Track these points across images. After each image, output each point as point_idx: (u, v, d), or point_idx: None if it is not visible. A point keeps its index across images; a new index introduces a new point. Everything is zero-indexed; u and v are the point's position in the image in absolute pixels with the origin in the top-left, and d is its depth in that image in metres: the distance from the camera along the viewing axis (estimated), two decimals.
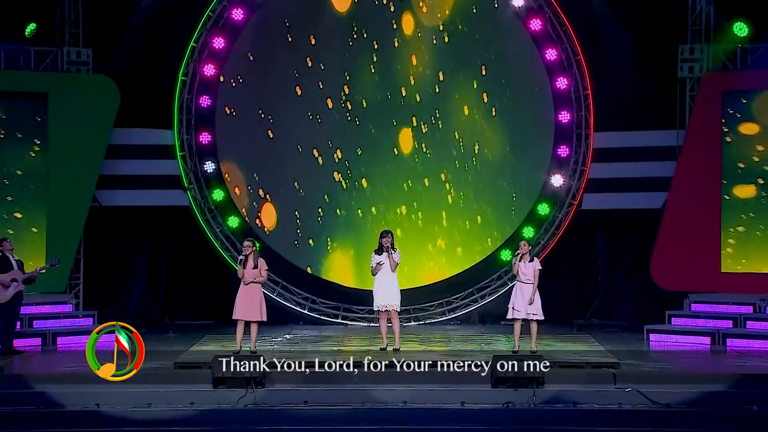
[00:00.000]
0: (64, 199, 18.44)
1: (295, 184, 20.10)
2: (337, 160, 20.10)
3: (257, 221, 20.12)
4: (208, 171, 19.96)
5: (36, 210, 18.57)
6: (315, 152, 20.06)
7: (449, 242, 20.11)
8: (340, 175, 20.10)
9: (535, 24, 19.67)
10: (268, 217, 20.21)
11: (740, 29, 18.37)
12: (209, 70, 19.83)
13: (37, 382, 13.89)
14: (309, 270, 20.14)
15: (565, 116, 19.74)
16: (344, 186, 20.10)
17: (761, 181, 18.28)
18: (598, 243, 20.28)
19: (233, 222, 20.01)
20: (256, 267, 15.00)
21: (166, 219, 20.10)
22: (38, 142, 18.60)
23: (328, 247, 20.22)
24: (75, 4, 18.93)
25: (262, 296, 15.14)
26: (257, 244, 15.42)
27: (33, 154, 18.58)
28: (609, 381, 14.08)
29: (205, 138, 19.95)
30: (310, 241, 20.21)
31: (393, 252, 15.34)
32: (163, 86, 19.80)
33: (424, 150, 20.05)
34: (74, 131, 18.44)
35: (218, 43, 19.79)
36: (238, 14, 19.81)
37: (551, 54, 19.68)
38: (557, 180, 19.79)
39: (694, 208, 18.40)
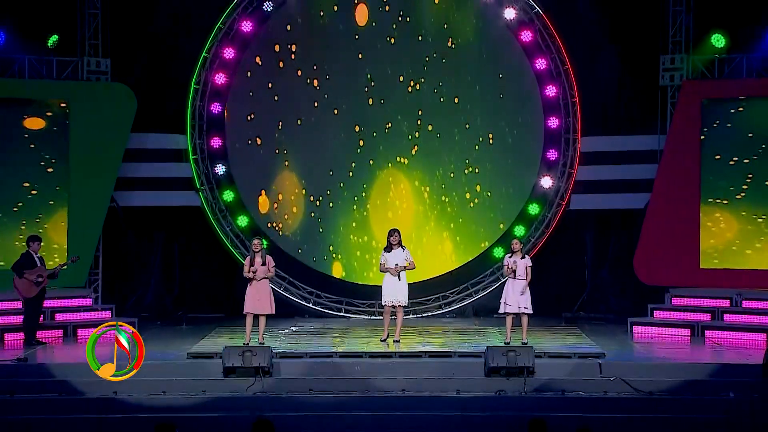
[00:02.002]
0: (84, 200, 18.40)
1: (302, 182, 20.06)
2: (338, 162, 20.06)
3: (271, 225, 20.09)
4: (219, 173, 19.94)
5: (58, 209, 18.54)
6: (319, 156, 20.03)
7: (446, 240, 20.09)
8: (341, 175, 20.06)
9: (526, 35, 19.65)
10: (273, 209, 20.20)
11: (718, 41, 18.37)
12: (220, 78, 19.82)
13: (58, 371, 13.94)
14: (314, 259, 20.09)
15: (553, 122, 19.73)
16: (346, 187, 20.05)
17: (738, 184, 18.31)
18: (585, 241, 20.27)
19: (242, 221, 19.99)
20: (264, 264, 15.01)
21: (180, 218, 20.07)
22: (61, 147, 18.57)
23: (330, 245, 20.17)
24: (95, 17, 18.90)
25: (270, 291, 15.15)
26: (264, 242, 15.42)
27: (55, 159, 18.54)
28: (595, 370, 14.10)
29: (216, 142, 19.92)
30: (316, 238, 20.17)
31: (408, 258, 15.49)
32: (177, 94, 19.78)
33: (423, 154, 20.02)
34: (94, 136, 18.39)
35: (228, 53, 19.77)
36: (247, 26, 19.79)
37: (541, 63, 19.67)
38: (546, 182, 19.78)
39: (675, 208, 18.38)
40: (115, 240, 19.54)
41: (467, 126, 19.90)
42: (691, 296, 18.06)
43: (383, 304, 15.76)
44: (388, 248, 15.61)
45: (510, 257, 15.25)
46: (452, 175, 19.97)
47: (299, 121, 19.98)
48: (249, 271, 14.93)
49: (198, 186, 19.87)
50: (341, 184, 20.06)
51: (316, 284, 20.04)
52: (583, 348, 15.27)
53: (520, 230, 19.71)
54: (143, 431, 11.60)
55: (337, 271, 20.15)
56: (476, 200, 19.99)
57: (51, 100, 18.51)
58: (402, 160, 20.02)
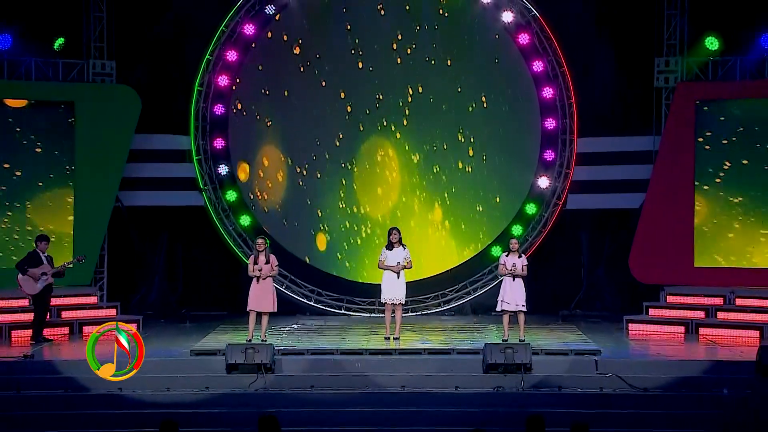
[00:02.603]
0: (89, 200, 18.42)
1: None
2: (340, 163, 20.06)
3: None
4: (222, 174, 19.94)
5: (64, 208, 18.54)
6: (317, 157, 20.03)
7: (445, 239, 20.09)
8: (342, 177, 20.06)
9: (524, 38, 19.65)
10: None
11: (711, 43, 18.37)
12: (223, 80, 19.82)
13: (64, 367, 13.95)
14: (307, 260, 20.06)
15: (550, 123, 19.73)
16: (347, 187, 20.05)
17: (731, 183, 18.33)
18: (581, 240, 20.27)
19: (245, 221, 20.00)
20: (268, 262, 15.02)
21: (184, 218, 20.07)
22: (67, 147, 18.57)
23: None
24: (100, 21, 18.90)
25: (273, 289, 15.15)
26: (267, 241, 15.43)
27: (62, 159, 18.55)
28: (591, 367, 14.10)
29: (219, 143, 19.92)
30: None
31: (407, 257, 15.46)
32: (181, 95, 19.78)
33: (423, 155, 20.02)
34: (99, 137, 18.40)
35: (231, 56, 19.77)
36: (249, 29, 19.79)
37: (538, 66, 19.66)
38: (543, 182, 19.77)
39: (669, 207, 18.39)
40: (120, 239, 19.53)
41: (466, 126, 19.88)
42: (686, 294, 18.06)
43: (382, 301, 15.78)
44: (389, 246, 15.60)
45: (507, 256, 15.25)
46: (451, 175, 19.97)
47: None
48: (254, 270, 14.93)
49: (201, 186, 19.87)
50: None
51: (317, 282, 20.04)
52: (579, 345, 15.26)
53: (517, 229, 19.70)
54: (147, 427, 11.58)
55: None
56: (475, 200, 19.97)
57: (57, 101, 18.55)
58: (404, 159, 20.01)
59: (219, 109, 19.89)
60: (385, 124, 19.99)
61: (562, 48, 19.55)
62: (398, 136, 20.02)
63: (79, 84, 18.68)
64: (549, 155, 19.76)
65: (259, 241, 15.22)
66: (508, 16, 19.60)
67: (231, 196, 19.94)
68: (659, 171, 18.54)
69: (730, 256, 18.24)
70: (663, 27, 18.82)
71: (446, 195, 20.02)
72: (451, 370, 14.15)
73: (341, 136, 19.99)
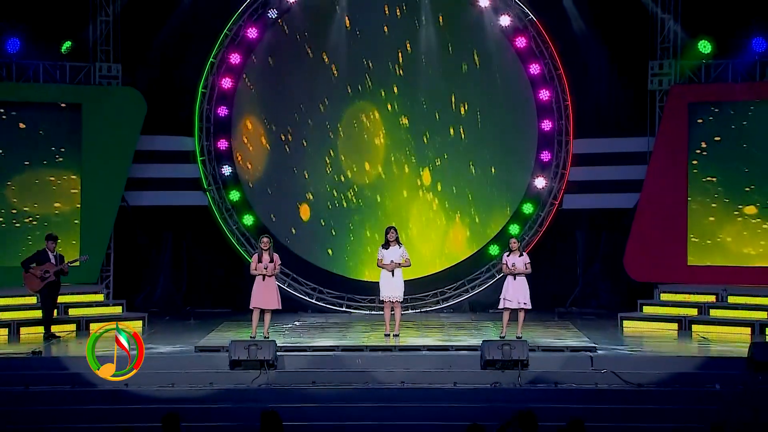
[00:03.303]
0: (96, 199, 18.44)
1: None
2: (342, 164, 20.07)
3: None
4: (226, 174, 19.96)
5: (71, 208, 18.58)
6: (323, 157, 20.05)
7: (444, 238, 20.11)
8: (344, 177, 20.08)
9: (521, 42, 19.67)
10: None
11: (704, 47, 18.38)
12: (226, 82, 19.84)
13: (71, 363, 13.91)
14: (330, 252, 20.11)
15: (547, 124, 19.74)
16: (348, 188, 20.07)
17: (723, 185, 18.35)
18: (577, 239, 20.30)
19: (248, 220, 20.01)
20: (272, 261, 15.04)
21: (188, 217, 20.10)
22: (73, 148, 18.61)
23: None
24: (106, 25, 18.93)
25: (276, 287, 15.17)
26: (271, 240, 15.45)
27: (68, 159, 18.58)
28: (586, 363, 14.10)
29: (222, 144, 19.95)
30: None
31: (403, 255, 15.45)
32: (185, 97, 19.80)
33: (423, 157, 20.04)
34: (105, 138, 18.43)
35: (234, 58, 19.79)
36: (252, 33, 19.80)
37: (535, 68, 19.68)
38: (540, 182, 19.80)
39: (663, 207, 18.41)
40: (125, 238, 19.57)
41: (466, 128, 19.90)
42: (679, 292, 18.08)
43: (381, 299, 15.79)
44: (386, 245, 15.60)
45: (508, 256, 15.25)
46: (451, 175, 20.00)
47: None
48: (261, 268, 14.93)
49: (205, 186, 19.89)
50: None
51: (318, 281, 20.05)
52: (575, 342, 15.27)
53: (514, 229, 19.72)
54: (153, 422, 11.59)
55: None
56: (473, 200, 20.00)
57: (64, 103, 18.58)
58: (405, 162, 20.03)
59: (222, 110, 19.91)
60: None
61: (559, 51, 19.57)
62: (400, 146, 20.04)
63: (85, 86, 18.71)
64: (545, 156, 19.78)
65: (264, 239, 15.25)
66: (505, 20, 19.62)
67: (234, 195, 19.96)
68: (653, 171, 18.56)
69: (723, 255, 18.26)
70: (657, 31, 18.85)
71: (445, 195, 20.04)
72: (449, 366, 14.14)
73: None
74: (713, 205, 18.37)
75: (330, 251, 20.20)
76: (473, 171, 19.97)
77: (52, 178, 18.55)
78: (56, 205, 18.55)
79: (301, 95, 19.94)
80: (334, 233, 20.14)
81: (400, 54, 19.88)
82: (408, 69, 19.91)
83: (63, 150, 18.56)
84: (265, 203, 20.17)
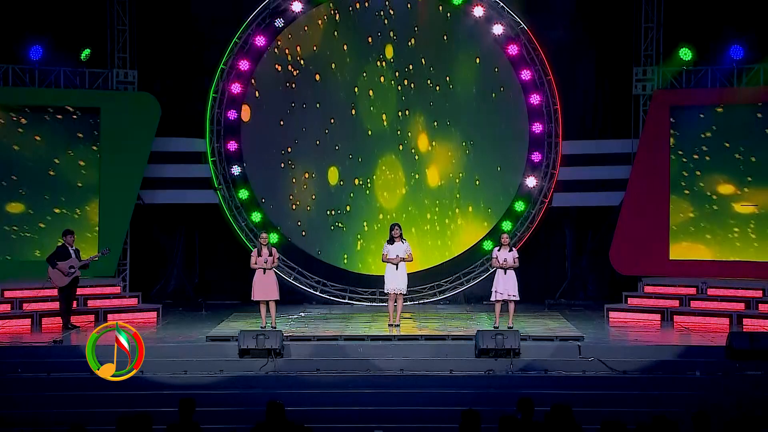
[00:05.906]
0: (113, 198, 18.42)
1: (310, 181, 20.06)
2: (343, 164, 20.03)
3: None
4: (235, 174, 19.93)
5: (90, 206, 18.60)
6: (328, 156, 20.02)
7: (441, 234, 20.08)
8: (344, 178, 20.04)
9: (513, 49, 19.62)
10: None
11: (685, 54, 18.37)
12: (236, 88, 19.80)
13: None
14: (319, 253, 20.05)
15: (537, 127, 19.70)
16: (351, 187, 20.03)
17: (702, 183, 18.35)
18: (566, 235, 20.27)
19: (256, 217, 19.98)
20: (271, 255, 15.04)
21: (200, 215, 20.08)
22: (93, 149, 18.60)
23: (334, 237, 20.13)
24: (123, 33, 18.90)
25: (275, 279, 15.19)
26: (269, 236, 15.42)
27: (86, 161, 18.57)
28: (575, 352, 14.11)
29: (232, 146, 19.90)
30: (325, 230, 20.16)
31: (407, 251, 15.45)
32: (197, 102, 19.77)
33: (422, 157, 20.00)
34: (122, 140, 18.41)
35: (243, 65, 19.75)
36: (260, 41, 19.76)
37: (526, 74, 19.63)
38: (531, 181, 19.76)
39: (647, 204, 18.39)
40: (141, 234, 19.57)
41: (460, 130, 19.86)
42: (662, 285, 18.05)
43: (386, 291, 15.78)
44: (391, 241, 15.59)
45: (499, 250, 15.24)
46: (447, 175, 19.97)
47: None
48: (261, 262, 14.91)
49: (216, 185, 19.85)
50: (343, 181, 20.00)
51: (322, 274, 20.02)
52: (563, 332, 15.26)
53: (507, 225, 19.68)
54: (167, 407, 11.58)
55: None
56: (468, 198, 19.96)
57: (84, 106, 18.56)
58: (405, 161, 20.00)
59: (232, 114, 19.87)
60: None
61: (548, 58, 19.53)
62: (400, 147, 20.00)
63: (103, 91, 18.68)
64: (536, 157, 19.74)
65: (264, 235, 15.30)
66: (498, 29, 19.58)
67: (243, 194, 19.93)
68: (637, 171, 18.54)
69: (704, 250, 18.27)
70: (641, 39, 18.82)
71: (444, 194, 19.99)
72: (445, 354, 14.14)
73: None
74: (694, 202, 18.37)
75: (335, 247, 20.16)
76: (469, 172, 19.92)
77: (72, 178, 18.57)
78: (75, 202, 18.55)
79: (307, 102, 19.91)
80: (338, 228, 20.09)
81: (396, 56, 19.87)
82: (405, 74, 19.88)
83: (82, 151, 18.56)
84: (271, 201, 20.14)
